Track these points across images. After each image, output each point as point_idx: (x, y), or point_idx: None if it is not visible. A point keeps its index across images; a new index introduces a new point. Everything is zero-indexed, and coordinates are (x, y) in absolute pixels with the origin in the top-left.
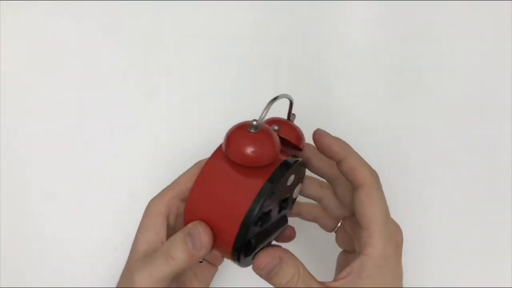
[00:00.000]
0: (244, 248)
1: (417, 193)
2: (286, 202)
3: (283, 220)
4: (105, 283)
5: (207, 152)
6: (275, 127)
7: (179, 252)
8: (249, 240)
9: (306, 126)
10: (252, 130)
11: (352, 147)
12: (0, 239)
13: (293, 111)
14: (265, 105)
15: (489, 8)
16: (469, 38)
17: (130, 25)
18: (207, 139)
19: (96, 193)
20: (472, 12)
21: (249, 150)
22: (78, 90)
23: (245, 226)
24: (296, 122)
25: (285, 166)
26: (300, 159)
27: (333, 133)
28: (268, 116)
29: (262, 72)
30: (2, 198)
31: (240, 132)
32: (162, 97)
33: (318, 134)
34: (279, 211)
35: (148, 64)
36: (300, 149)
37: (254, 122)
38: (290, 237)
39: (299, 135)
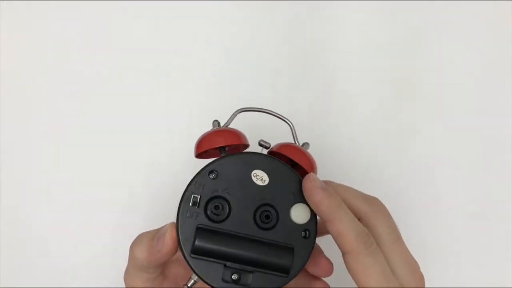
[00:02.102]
0: (186, 244)
1: (417, 193)
2: (271, 216)
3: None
4: (105, 283)
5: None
6: (262, 142)
7: (143, 249)
8: (195, 234)
9: (306, 125)
10: (212, 127)
11: (352, 146)
12: (0, 239)
13: (292, 114)
14: (263, 107)
15: (489, 8)
16: (469, 38)
17: (130, 25)
18: None
19: (96, 193)
20: (472, 12)
21: (203, 137)
22: (78, 90)
23: (179, 209)
24: (296, 122)
25: (233, 153)
26: (280, 162)
27: (333, 133)
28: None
29: (262, 72)
30: (2, 198)
31: (206, 132)
32: (162, 97)
33: (308, 184)
34: (257, 221)
35: (148, 64)
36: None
37: (216, 121)
38: (325, 270)
39: (308, 159)
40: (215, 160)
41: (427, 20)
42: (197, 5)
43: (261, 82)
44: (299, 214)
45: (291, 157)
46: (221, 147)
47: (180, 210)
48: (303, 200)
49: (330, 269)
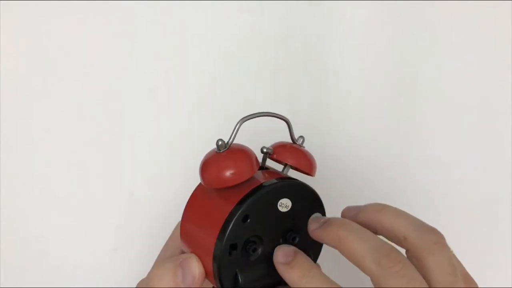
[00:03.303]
0: (231, 284)
1: (417, 193)
2: (297, 234)
3: None
4: (105, 283)
5: (205, 153)
6: (264, 149)
7: (168, 281)
8: (235, 275)
9: (306, 126)
10: (218, 151)
11: (352, 146)
12: (0, 239)
13: (292, 114)
14: (261, 109)
15: (489, 8)
16: (469, 38)
17: (131, 25)
18: (207, 139)
19: (96, 193)
20: (472, 12)
21: (214, 171)
22: (78, 90)
23: (216, 258)
24: (296, 122)
25: (258, 188)
26: (297, 182)
27: (333, 133)
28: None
29: (262, 72)
30: (2, 198)
31: (208, 156)
32: (162, 97)
33: (309, 230)
34: (291, 239)
35: (148, 64)
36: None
37: (220, 142)
38: None
39: (309, 161)
40: (244, 200)
41: (427, 20)
42: (197, 5)
43: (261, 82)
44: None
45: (289, 164)
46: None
47: (219, 258)
48: (318, 209)
49: None
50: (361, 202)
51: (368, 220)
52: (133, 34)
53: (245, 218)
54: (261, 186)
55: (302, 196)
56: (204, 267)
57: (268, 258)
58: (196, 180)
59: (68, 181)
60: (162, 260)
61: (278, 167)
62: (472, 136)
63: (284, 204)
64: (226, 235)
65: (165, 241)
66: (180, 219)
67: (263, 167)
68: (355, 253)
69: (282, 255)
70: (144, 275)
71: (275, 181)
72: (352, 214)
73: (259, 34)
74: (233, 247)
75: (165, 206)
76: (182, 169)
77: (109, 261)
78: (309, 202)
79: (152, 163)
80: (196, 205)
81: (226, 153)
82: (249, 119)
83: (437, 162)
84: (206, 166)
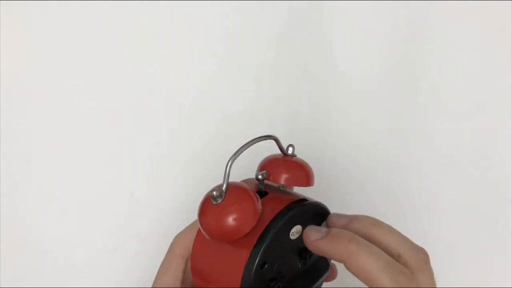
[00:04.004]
0: None
1: (417, 193)
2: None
3: (321, 265)
4: (105, 283)
5: (206, 152)
6: (259, 176)
7: None
8: None
9: (306, 126)
10: (215, 202)
11: (352, 146)
12: (0, 239)
13: (292, 114)
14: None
15: (489, 8)
16: (469, 38)
17: (130, 25)
18: (206, 139)
19: (96, 193)
20: (472, 12)
21: (215, 227)
22: (77, 89)
23: None
24: (296, 121)
25: (267, 231)
26: (303, 207)
27: (333, 133)
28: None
29: (262, 72)
30: (2, 198)
31: (205, 207)
32: (162, 97)
33: (307, 242)
34: (305, 260)
35: (148, 64)
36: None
37: (214, 192)
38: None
39: (305, 172)
40: (258, 247)
41: (427, 20)
42: (196, 5)
43: (261, 82)
44: None
45: (287, 185)
46: None
47: None
48: (325, 217)
49: (334, 275)
50: (361, 202)
51: (362, 232)
52: (133, 34)
53: (263, 265)
54: (269, 227)
55: (310, 215)
56: None
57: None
58: (196, 180)
59: (68, 181)
60: None
61: None
62: (472, 136)
63: (296, 231)
64: (249, 279)
65: (164, 241)
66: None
67: (261, 191)
68: (369, 269)
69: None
70: (144, 275)
71: (282, 215)
72: (343, 223)
73: (259, 34)
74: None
75: (165, 206)
76: (182, 169)
77: (109, 261)
78: (316, 216)
79: (152, 163)
80: (205, 250)
81: (223, 204)
82: (237, 156)
83: (437, 162)
84: (205, 220)
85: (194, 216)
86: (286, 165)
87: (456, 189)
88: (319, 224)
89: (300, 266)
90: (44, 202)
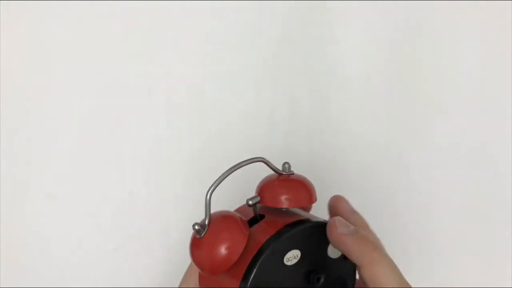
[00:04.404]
0: None
1: (417, 193)
2: (320, 273)
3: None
4: (105, 284)
5: (206, 152)
6: (250, 202)
7: None
8: None
9: (306, 126)
10: (198, 236)
11: (352, 146)
12: (0, 239)
13: (292, 114)
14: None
15: (489, 8)
16: (469, 38)
17: (130, 25)
18: (206, 139)
19: (95, 193)
20: (472, 12)
21: (200, 260)
22: (77, 89)
23: None
24: (296, 121)
25: (255, 260)
26: (294, 231)
27: (333, 133)
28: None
29: (262, 72)
30: (2, 198)
31: (192, 242)
32: (161, 97)
33: (334, 233)
34: (313, 284)
35: (148, 64)
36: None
37: (196, 226)
38: None
39: (305, 190)
40: (247, 277)
41: (427, 20)
42: (196, 5)
43: (261, 82)
44: (332, 252)
45: (284, 207)
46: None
47: None
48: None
49: None
50: (361, 202)
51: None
52: (132, 34)
53: None
54: (257, 256)
55: (307, 236)
56: None
57: None
58: (196, 180)
59: (68, 181)
60: None
61: None
62: (472, 136)
63: (292, 256)
64: None
65: (164, 241)
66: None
67: (257, 217)
68: (383, 279)
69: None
70: (144, 275)
71: (270, 241)
72: (347, 210)
73: (259, 34)
74: None
75: (165, 206)
76: (182, 169)
77: (109, 261)
78: (318, 235)
79: (152, 163)
80: (207, 281)
81: (206, 236)
82: (217, 186)
83: (437, 161)
84: (193, 254)
85: (194, 216)
86: (282, 185)
87: (456, 189)
88: (322, 246)
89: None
90: (44, 202)
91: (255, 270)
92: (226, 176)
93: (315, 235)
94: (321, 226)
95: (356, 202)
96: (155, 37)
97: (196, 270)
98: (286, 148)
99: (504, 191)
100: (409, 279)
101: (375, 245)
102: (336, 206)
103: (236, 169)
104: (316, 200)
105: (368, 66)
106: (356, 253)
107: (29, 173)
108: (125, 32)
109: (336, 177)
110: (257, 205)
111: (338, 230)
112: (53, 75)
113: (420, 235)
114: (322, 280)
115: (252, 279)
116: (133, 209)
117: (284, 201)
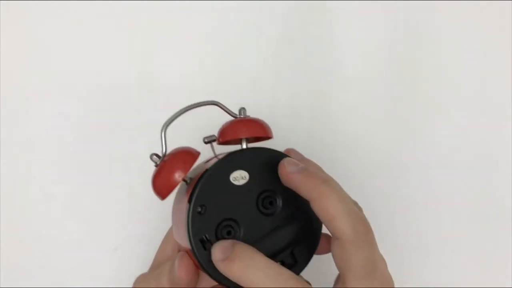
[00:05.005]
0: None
1: (417, 193)
2: (274, 194)
3: (309, 229)
4: (105, 284)
5: (205, 152)
6: (206, 140)
7: (164, 280)
8: None
9: (307, 126)
10: (156, 166)
11: (352, 146)
12: (0, 239)
13: (292, 114)
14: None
15: (489, 8)
16: (469, 38)
17: (130, 25)
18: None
19: (96, 193)
20: (472, 12)
21: (158, 186)
22: (77, 89)
23: (195, 257)
24: (296, 121)
25: (201, 177)
26: (238, 150)
27: (333, 133)
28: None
29: (262, 72)
30: (2, 198)
31: (153, 174)
32: (162, 97)
33: (283, 172)
34: (266, 209)
35: (148, 64)
36: (270, 138)
37: (153, 156)
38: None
39: (259, 124)
40: (192, 193)
41: (427, 20)
42: (196, 5)
43: (261, 82)
44: None
45: (236, 138)
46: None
47: (196, 257)
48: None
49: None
50: (361, 202)
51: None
52: (132, 34)
53: (200, 210)
54: (202, 176)
55: (260, 161)
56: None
57: (252, 235)
58: None
59: (68, 181)
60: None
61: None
62: (473, 136)
63: (240, 176)
64: (190, 234)
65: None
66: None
67: (215, 157)
68: (332, 212)
69: (220, 251)
70: None
71: (219, 161)
72: (298, 158)
73: (259, 34)
74: (204, 240)
75: (164, 205)
76: None
77: (109, 261)
78: (271, 164)
79: (152, 162)
80: (174, 208)
81: (161, 164)
82: (171, 122)
83: (437, 162)
84: (153, 185)
85: None
86: (239, 121)
87: (456, 189)
88: (273, 172)
89: (261, 215)
90: (44, 202)
91: (198, 187)
92: (181, 114)
93: (270, 164)
94: (271, 153)
95: (356, 202)
96: (155, 37)
97: (169, 242)
98: (286, 148)
99: (504, 191)
100: (409, 279)
101: (324, 179)
102: (284, 164)
103: (191, 109)
104: (272, 136)
105: (368, 66)
106: (305, 189)
107: (29, 173)
108: (125, 32)
109: (336, 177)
110: (213, 144)
111: (287, 169)
112: (53, 75)
113: (420, 235)
114: (278, 205)
115: (195, 197)
116: (133, 209)
117: (240, 132)
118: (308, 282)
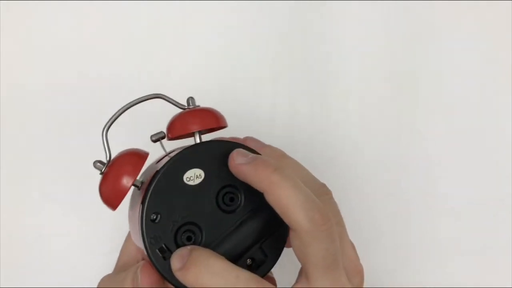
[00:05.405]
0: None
1: (417, 193)
2: (235, 189)
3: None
4: None
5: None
6: (153, 138)
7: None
8: None
9: (306, 126)
10: (100, 173)
11: (352, 146)
12: (0, 239)
13: (292, 114)
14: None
15: (489, 8)
16: (469, 38)
17: (130, 25)
18: (206, 139)
19: (96, 193)
20: (472, 12)
21: (105, 194)
22: (77, 89)
23: (155, 267)
24: (297, 121)
25: (150, 183)
26: (187, 149)
27: (333, 134)
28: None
29: (262, 72)
30: (2, 198)
31: (99, 182)
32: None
33: (232, 165)
34: (226, 205)
35: (147, 64)
36: (224, 127)
37: (97, 164)
38: None
39: (209, 112)
40: (144, 200)
41: (427, 20)
42: (196, 5)
43: (261, 82)
44: None
45: (191, 131)
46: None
47: (157, 267)
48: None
49: None
50: (361, 202)
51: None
52: (132, 34)
53: (155, 218)
54: (152, 180)
55: (213, 155)
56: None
57: (214, 237)
58: None
59: (68, 181)
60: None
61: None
62: (473, 136)
63: (193, 176)
64: (147, 245)
65: None
66: None
67: (167, 155)
68: (286, 202)
69: (177, 260)
70: None
71: (165, 165)
72: (257, 147)
73: (259, 34)
74: (163, 250)
75: None
76: None
77: (109, 261)
78: (224, 156)
79: (152, 162)
80: (129, 215)
81: (106, 171)
82: (112, 122)
83: (437, 162)
84: (100, 193)
85: None
86: (188, 113)
87: (456, 189)
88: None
89: (223, 213)
90: (44, 202)
91: (149, 193)
92: (122, 113)
93: (226, 157)
94: (223, 145)
95: (356, 202)
96: (155, 37)
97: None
98: (286, 148)
99: (504, 191)
100: (409, 278)
101: (275, 167)
102: (232, 157)
103: (133, 105)
104: (226, 124)
105: (368, 66)
106: (256, 180)
107: (29, 173)
108: (126, 32)
109: (336, 177)
110: (162, 142)
111: (235, 161)
112: (53, 75)
113: (420, 235)
114: (240, 200)
115: (147, 204)
116: None
117: (190, 125)
118: (273, 279)
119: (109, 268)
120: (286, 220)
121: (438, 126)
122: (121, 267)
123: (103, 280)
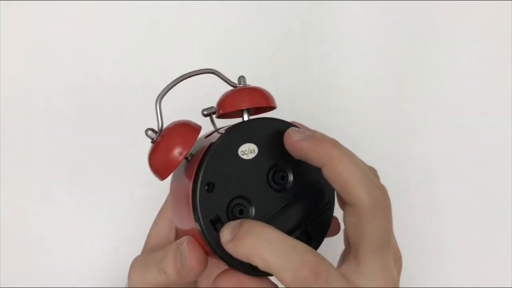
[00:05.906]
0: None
1: (417, 193)
2: (285, 169)
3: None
4: (106, 284)
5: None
6: (205, 112)
7: (170, 268)
8: None
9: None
10: (151, 142)
11: (352, 146)
12: (0, 239)
13: (292, 114)
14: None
15: (489, 8)
16: (469, 38)
17: (130, 25)
18: None
19: (96, 193)
20: (472, 12)
21: (156, 164)
22: (77, 89)
23: (204, 239)
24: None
25: (207, 152)
26: (244, 122)
27: (333, 134)
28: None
29: (262, 72)
30: (2, 198)
31: (149, 150)
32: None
33: (289, 142)
34: (278, 184)
35: (147, 64)
36: (274, 108)
37: (149, 132)
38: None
39: (265, 93)
40: (198, 170)
41: (427, 20)
42: (196, 5)
43: (261, 82)
44: None
45: (238, 109)
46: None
47: (206, 239)
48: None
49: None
50: None
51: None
52: (132, 34)
53: (208, 188)
54: (207, 151)
55: (268, 133)
56: (203, 248)
57: (263, 214)
58: None
59: (68, 181)
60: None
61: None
62: (472, 136)
63: (248, 150)
64: (200, 215)
65: None
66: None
67: (216, 131)
68: (347, 177)
69: (228, 232)
70: None
71: (224, 134)
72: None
73: (259, 34)
74: (215, 221)
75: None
76: None
77: (109, 261)
78: (276, 134)
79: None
80: (173, 189)
81: (158, 140)
82: (166, 92)
83: (437, 162)
84: (150, 162)
85: None
86: (239, 91)
87: (456, 189)
88: (282, 144)
89: (273, 191)
90: (44, 202)
91: (205, 163)
92: (176, 84)
93: (278, 135)
94: (278, 123)
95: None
96: (155, 37)
97: (164, 217)
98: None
99: (504, 191)
100: (409, 279)
101: (334, 142)
102: (289, 134)
103: (186, 78)
104: (276, 105)
105: (368, 66)
106: (314, 155)
107: (29, 173)
108: (126, 32)
109: None
110: (213, 117)
111: (293, 138)
112: (53, 75)
113: (420, 235)
114: (289, 180)
115: (202, 174)
116: (133, 209)
117: (241, 102)
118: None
119: (109, 268)
120: (345, 195)
121: (438, 126)
122: (151, 249)
123: (135, 262)
